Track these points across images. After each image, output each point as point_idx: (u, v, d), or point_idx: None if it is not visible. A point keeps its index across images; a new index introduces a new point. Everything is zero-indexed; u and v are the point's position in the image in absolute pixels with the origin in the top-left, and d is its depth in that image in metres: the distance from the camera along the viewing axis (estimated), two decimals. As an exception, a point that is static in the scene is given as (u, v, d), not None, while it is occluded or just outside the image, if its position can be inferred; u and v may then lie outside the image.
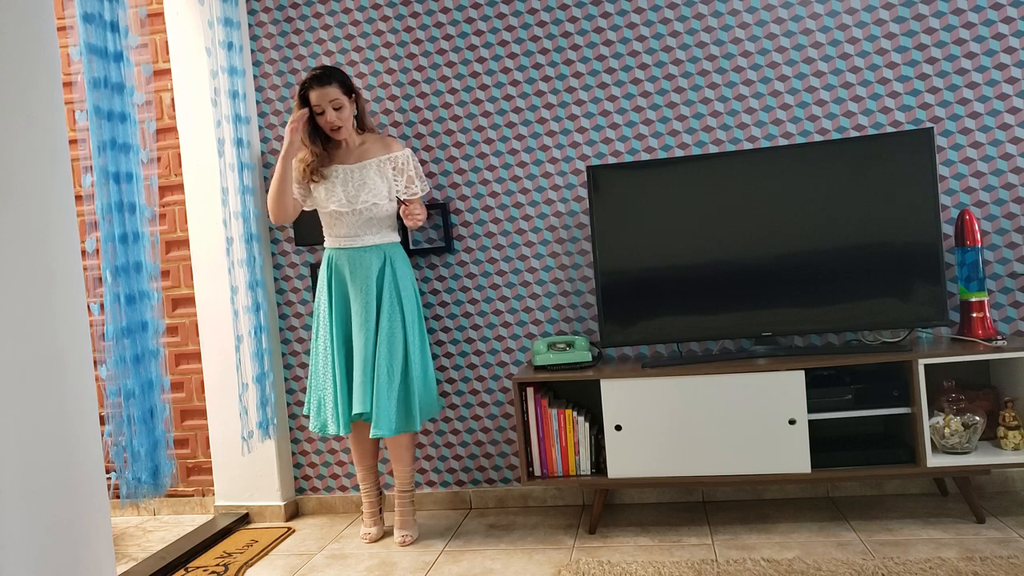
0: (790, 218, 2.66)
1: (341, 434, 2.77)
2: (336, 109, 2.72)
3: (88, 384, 2.04)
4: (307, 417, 3.10)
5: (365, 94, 3.16)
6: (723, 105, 2.92)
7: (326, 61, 3.18)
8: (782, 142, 2.89)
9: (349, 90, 2.77)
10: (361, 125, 2.85)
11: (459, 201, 3.12)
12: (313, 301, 3.01)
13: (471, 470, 3.16)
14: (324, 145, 2.80)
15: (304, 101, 2.74)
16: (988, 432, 2.60)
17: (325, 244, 2.85)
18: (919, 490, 2.84)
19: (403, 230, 3.06)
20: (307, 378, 2.87)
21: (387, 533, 2.91)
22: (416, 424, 2.73)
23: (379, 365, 2.69)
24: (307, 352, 3.21)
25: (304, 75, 2.91)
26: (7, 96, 1.88)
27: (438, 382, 3.15)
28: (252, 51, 3.25)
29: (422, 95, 3.13)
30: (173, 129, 3.30)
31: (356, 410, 2.70)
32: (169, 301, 3.38)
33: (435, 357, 3.15)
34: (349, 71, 3.16)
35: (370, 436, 2.73)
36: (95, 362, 2.10)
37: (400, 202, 2.85)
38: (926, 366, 2.50)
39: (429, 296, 3.15)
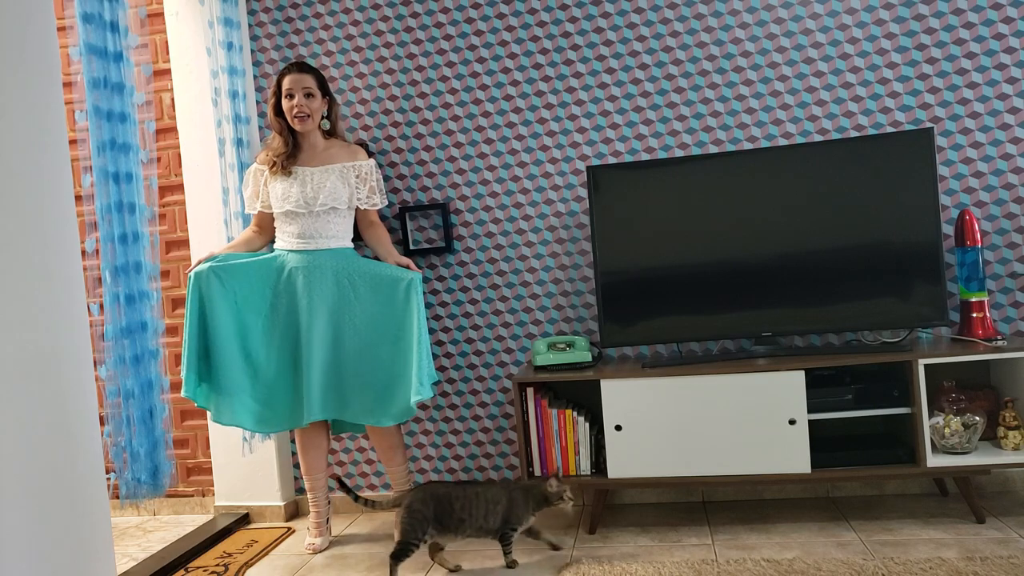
0: (790, 218, 2.66)
1: (290, 429, 2.74)
2: (307, 96, 2.68)
3: (88, 384, 2.04)
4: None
5: (364, 94, 3.16)
6: (723, 105, 2.92)
7: (326, 61, 3.18)
8: (782, 142, 2.89)
9: (324, 90, 2.75)
10: (332, 131, 2.81)
11: (459, 201, 3.12)
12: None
13: (471, 470, 3.15)
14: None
15: (280, 88, 2.71)
16: (988, 432, 2.60)
17: (275, 245, 2.76)
18: (919, 490, 2.84)
19: (403, 231, 3.06)
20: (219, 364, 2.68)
21: (335, 542, 2.91)
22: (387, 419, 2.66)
23: (347, 366, 2.66)
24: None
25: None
26: (7, 96, 1.88)
27: (437, 383, 3.14)
28: (252, 51, 3.25)
29: (422, 95, 3.13)
30: (173, 129, 3.30)
31: (318, 417, 2.64)
32: (169, 301, 3.38)
33: (435, 357, 3.15)
34: (349, 71, 3.16)
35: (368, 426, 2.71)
36: (95, 362, 2.10)
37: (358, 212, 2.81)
38: (926, 366, 2.50)
39: (429, 296, 3.15)
